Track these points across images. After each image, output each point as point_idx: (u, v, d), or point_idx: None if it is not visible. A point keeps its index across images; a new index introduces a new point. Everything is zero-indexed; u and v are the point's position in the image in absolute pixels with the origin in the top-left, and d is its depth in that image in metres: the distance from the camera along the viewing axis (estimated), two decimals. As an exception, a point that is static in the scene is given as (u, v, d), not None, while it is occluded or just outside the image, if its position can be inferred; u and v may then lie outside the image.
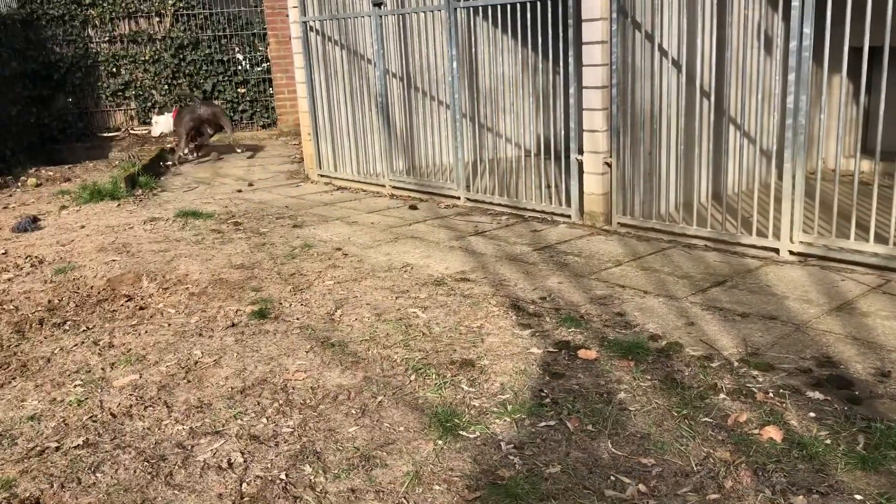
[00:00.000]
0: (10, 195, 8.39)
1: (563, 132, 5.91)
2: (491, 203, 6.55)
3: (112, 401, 3.23)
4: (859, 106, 6.75)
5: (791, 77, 4.49)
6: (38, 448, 2.86)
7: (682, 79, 5.25)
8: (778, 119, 5.11)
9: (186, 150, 10.32)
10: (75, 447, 2.85)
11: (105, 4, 12.33)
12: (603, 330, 3.71)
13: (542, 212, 6.13)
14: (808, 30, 4.37)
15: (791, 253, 4.68)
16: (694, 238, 5.14)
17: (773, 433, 2.69)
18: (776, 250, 4.74)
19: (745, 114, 5.37)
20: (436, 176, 7.28)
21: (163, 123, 12.29)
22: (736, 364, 3.26)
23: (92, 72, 12.52)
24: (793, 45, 4.44)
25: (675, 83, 5.28)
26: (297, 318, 4.09)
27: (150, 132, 12.70)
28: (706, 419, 2.83)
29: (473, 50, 6.89)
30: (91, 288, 4.80)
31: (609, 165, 5.51)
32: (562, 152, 5.97)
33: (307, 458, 2.71)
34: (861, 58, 4.25)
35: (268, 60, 12.70)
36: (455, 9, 6.43)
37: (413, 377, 3.30)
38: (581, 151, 5.68)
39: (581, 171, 5.72)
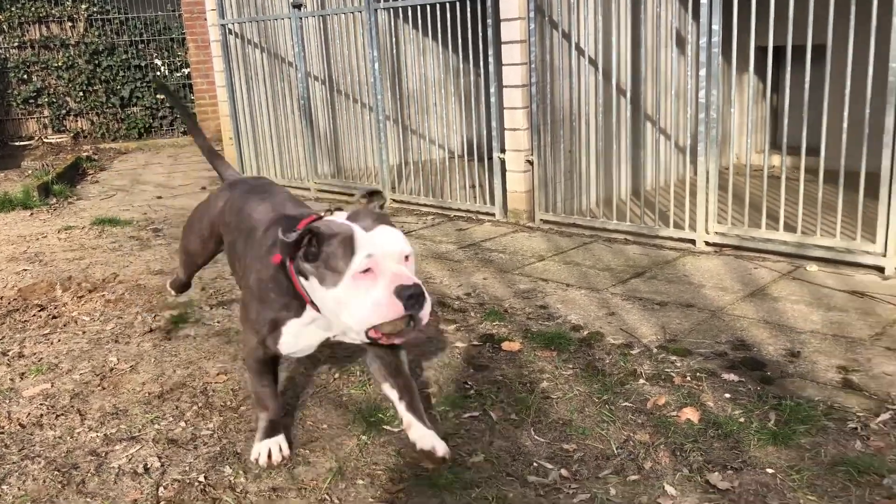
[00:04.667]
0: (-87, 207, 7.96)
1: (486, 132, 5.95)
2: (417, 204, 6.55)
3: (21, 411, 3.09)
4: (767, 103, 7.01)
5: (702, 73, 4.64)
6: (-60, 463, 2.71)
7: (599, 77, 5.36)
8: (692, 114, 5.27)
9: None
10: (-20, 460, 2.72)
11: (13, 9, 11.86)
12: (526, 322, 3.75)
13: (468, 211, 6.16)
14: (716, 26, 4.51)
15: (707, 244, 4.82)
16: (615, 232, 5.24)
17: (690, 414, 2.76)
18: (693, 241, 4.87)
19: (662, 111, 5.52)
20: (361, 179, 7.24)
21: None
22: (655, 350, 3.33)
23: (1, 79, 12.02)
24: (703, 41, 4.59)
25: (593, 81, 5.39)
26: (218, 322, 4.00)
27: (65, 140, 12.26)
28: (626, 404, 2.88)
29: (397, 52, 6.88)
30: (1, 298, 4.59)
31: (531, 163, 5.58)
32: (485, 152, 6.02)
33: (227, 459, 2.65)
34: (767, 57, 4.42)
35: (187, 65, 12.42)
36: (375, 10, 6.41)
37: (337, 375, 3.26)
38: (503, 150, 5.73)
39: (504, 170, 5.77)
